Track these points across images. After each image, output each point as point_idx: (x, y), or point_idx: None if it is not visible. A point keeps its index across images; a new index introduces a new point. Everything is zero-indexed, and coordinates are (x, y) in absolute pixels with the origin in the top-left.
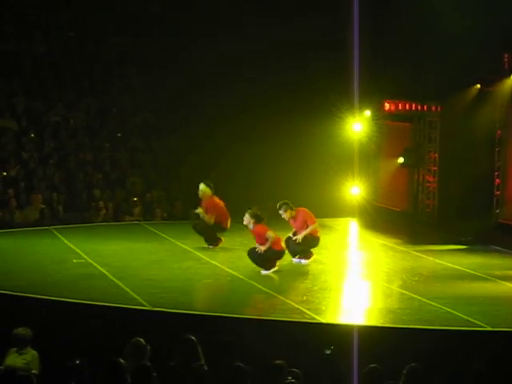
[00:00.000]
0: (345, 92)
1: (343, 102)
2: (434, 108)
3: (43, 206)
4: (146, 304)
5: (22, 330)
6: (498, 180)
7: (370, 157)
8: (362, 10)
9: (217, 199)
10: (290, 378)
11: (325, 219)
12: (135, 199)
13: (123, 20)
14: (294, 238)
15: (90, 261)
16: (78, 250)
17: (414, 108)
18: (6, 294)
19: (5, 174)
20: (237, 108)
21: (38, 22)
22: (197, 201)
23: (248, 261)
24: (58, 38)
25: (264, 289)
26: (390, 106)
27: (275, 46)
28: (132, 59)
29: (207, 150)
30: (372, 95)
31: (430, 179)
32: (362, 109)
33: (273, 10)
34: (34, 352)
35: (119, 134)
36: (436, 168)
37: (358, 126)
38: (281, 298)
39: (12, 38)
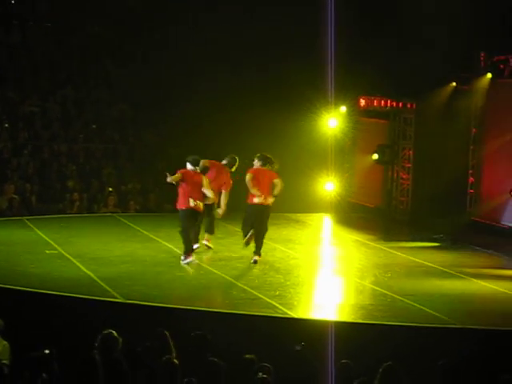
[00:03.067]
0: (320, 87)
1: (318, 97)
2: (409, 105)
3: (15, 196)
4: (118, 296)
5: None
6: (471, 178)
7: (344, 153)
8: (338, 6)
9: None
10: (260, 373)
11: (298, 214)
12: (110, 190)
13: (101, 11)
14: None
15: (63, 252)
16: (50, 241)
17: (389, 105)
18: None
19: None
20: (213, 103)
21: (14, 11)
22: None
23: (222, 254)
24: (35, 28)
25: (236, 283)
26: (365, 103)
27: (250, 40)
28: (109, 51)
29: (184, 144)
30: (347, 91)
31: (404, 176)
32: (337, 105)
33: (248, 4)
34: (4, 342)
35: (94, 126)
36: (410, 165)
37: (333, 121)
38: (254, 292)
39: None
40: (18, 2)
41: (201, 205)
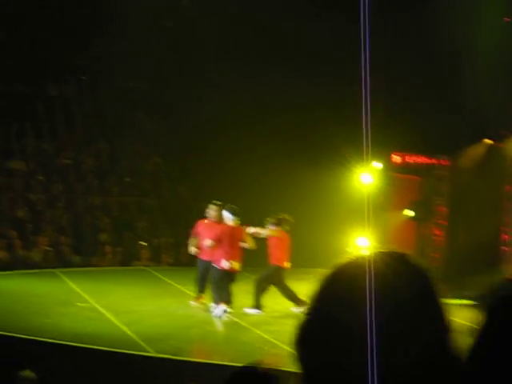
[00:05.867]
0: (354, 142)
1: (352, 152)
2: (442, 162)
3: (49, 249)
4: (150, 350)
5: (26, 373)
6: (505, 236)
7: (377, 208)
8: (373, 62)
9: None
10: None
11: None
12: (143, 243)
13: (136, 65)
14: None
15: (96, 305)
16: (83, 294)
17: (422, 161)
18: (9, 336)
19: None
20: (248, 156)
21: (51, 65)
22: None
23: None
24: (71, 81)
25: (268, 338)
26: (398, 159)
27: (284, 89)
28: (144, 104)
29: (215, 197)
30: (381, 147)
31: (437, 233)
32: (370, 160)
33: (280, 56)
34: None
35: (128, 179)
36: (443, 222)
37: (366, 177)
38: (285, 347)
39: (25, 81)
40: (54, 56)
41: (237, 265)
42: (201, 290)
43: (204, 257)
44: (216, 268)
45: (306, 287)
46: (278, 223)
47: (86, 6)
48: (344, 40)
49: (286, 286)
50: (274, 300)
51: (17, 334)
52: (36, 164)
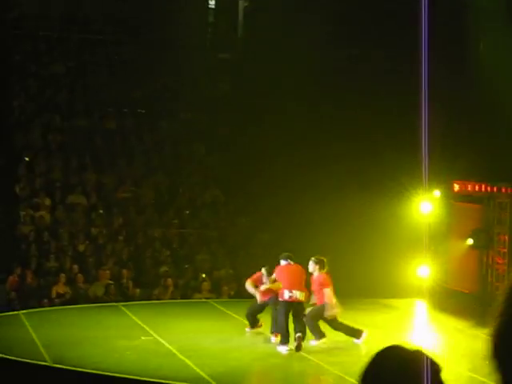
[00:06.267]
0: (413, 171)
1: (411, 181)
2: (503, 189)
3: (111, 282)
4: (214, 383)
5: None
6: None
7: (438, 237)
8: (432, 88)
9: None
10: None
11: (390, 299)
12: (203, 276)
13: (194, 97)
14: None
15: (159, 338)
16: (145, 327)
17: (483, 189)
18: (75, 371)
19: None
20: (304, 186)
21: (109, 99)
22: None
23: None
24: (129, 114)
25: (332, 370)
26: (459, 187)
27: (342, 120)
28: (202, 136)
29: (276, 228)
30: (441, 175)
31: (500, 261)
32: (430, 189)
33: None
34: None
35: (187, 211)
36: (506, 250)
37: (426, 205)
38: (350, 380)
39: (84, 115)
40: (112, 90)
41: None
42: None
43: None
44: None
45: (365, 317)
46: (321, 265)
47: (143, 38)
48: (402, 68)
49: (339, 322)
50: (336, 332)
51: (82, 369)
52: (96, 198)
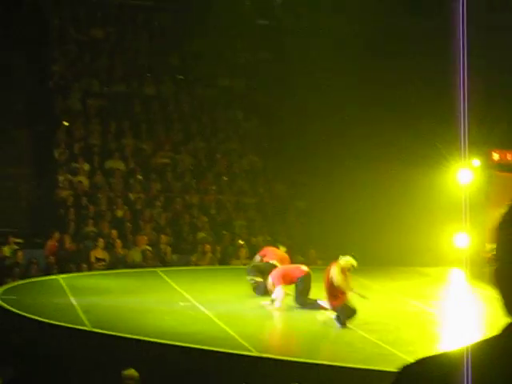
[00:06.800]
0: (452, 140)
1: (450, 150)
2: None
3: (149, 248)
4: (252, 349)
5: (130, 372)
6: None
7: (477, 207)
8: (473, 53)
9: None
10: None
11: (428, 268)
12: (241, 242)
13: (232, 63)
14: None
15: (197, 304)
16: (184, 293)
17: None
18: (113, 335)
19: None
20: (341, 155)
21: (148, 65)
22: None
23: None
24: (168, 81)
25: (370, 338)
26: (498, 156)
27: (380, 89)
28: (240, 102)
29: (313, 196)
30: (480, 144)
31: None
32: (469, 158)
33: (374, 51)
34: None
35: (225, 178)
36: None
37: (465, 175)
38: (387, 347)
39: (123, 81)
40: (151, 55)
41: None
42: None
43: None
44: None
45: (401, 284)
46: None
47: (182, 4)
48: (441, 33)
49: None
50: (373, 302)
51: (121, 334)
52: (134, 163)
